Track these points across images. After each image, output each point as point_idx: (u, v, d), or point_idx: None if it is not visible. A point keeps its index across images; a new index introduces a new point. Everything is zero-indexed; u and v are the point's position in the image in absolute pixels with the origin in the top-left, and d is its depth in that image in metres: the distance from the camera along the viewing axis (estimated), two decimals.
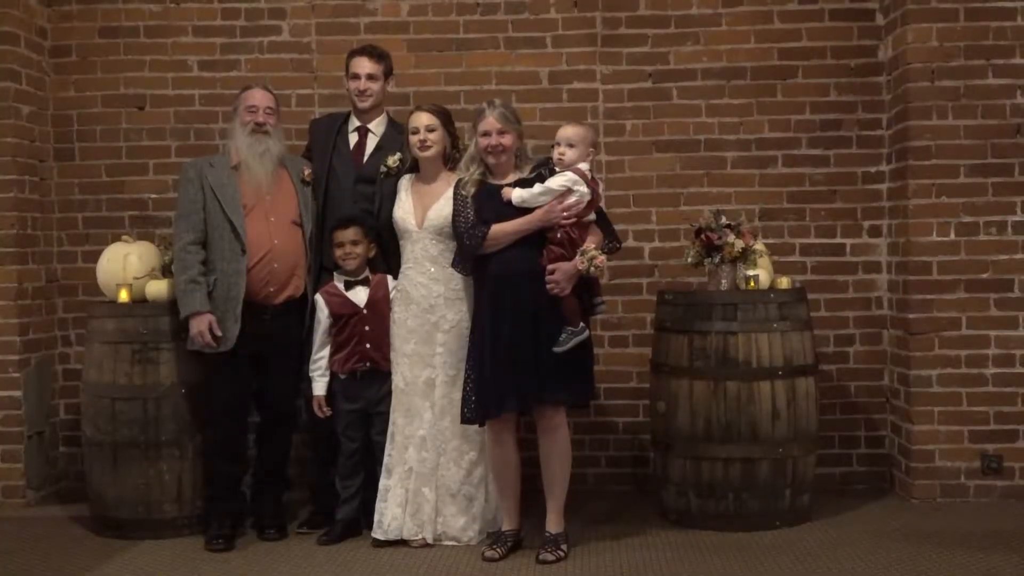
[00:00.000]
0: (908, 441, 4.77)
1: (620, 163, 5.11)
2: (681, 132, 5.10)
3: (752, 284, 4.42)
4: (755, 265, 4.44)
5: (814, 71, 5.05)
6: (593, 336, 4.12)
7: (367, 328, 4.27)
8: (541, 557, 3.95)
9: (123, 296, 4.41)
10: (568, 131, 4.04)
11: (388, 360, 4.27)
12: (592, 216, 4.04)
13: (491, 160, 4.07)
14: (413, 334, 4.21)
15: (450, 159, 4.28)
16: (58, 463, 5.18)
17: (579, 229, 3.98)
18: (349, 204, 4.38)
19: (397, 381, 4.24)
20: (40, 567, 3.99)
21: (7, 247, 4.87)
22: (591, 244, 3.97)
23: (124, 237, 4.69)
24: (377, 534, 4.18)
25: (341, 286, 4.32)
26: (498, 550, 4.01)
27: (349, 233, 4.27)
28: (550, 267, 3.93)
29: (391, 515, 4.17)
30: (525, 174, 4.08)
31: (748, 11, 5.08)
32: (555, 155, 4.04)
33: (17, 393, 4.87)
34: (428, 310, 4.19)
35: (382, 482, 4.22)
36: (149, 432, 4.27)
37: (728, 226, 4.45)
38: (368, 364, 4.27)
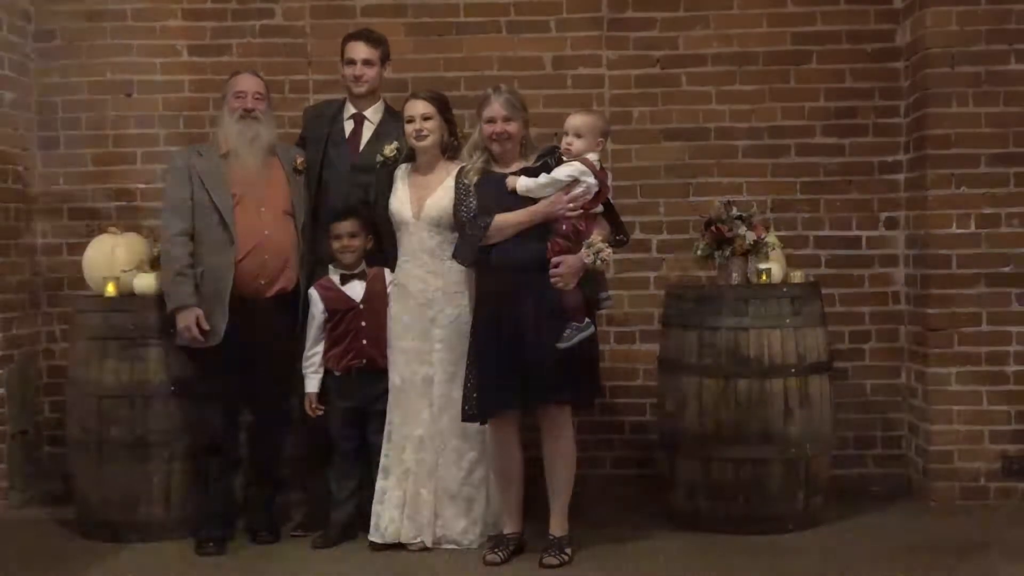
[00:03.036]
0: (926, 442, 4.73)
1: (627, 152, 5.05)
2: (690, 120, 5.05)
3: (764, 278, 4.38)
4: (767, 258, 4.40)
5: (829, 56, 5.00)
6: (598, 332, 4.06)
7: (364, 323, 4.22)
8: (544, 561, 3.91)
9: (110, 290, 4.37)
10: (576, 120, 3.97)
11: (385, 357, 4.22)
12: (600, 208, 3.98)
13: (496, 148, 4.01)
14: (410, 330, 4.15)
15: (448, 148, 4.22)
16: (42, 464, 5.13)
17: (586, 221, 3.92)
18: (344, 194, 4.34)
19: (394, 379, 4.19)
20: (23, 572, 3.96)
21: None
22: (597, 236, 3.90)
23: (111, 229, 4.63)
24: (374, 537, 4.13)
25: (336, 280, 4.27)
26: (500, 554, 3.97)
27: (347, 225, 4.21)
28: (554, 260, 3.87)
29: (388, 517, 4.12)
30: (530, 163, 4.03)
31: None
32: (563, 144, 3.99)
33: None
34: (425, 304, 4.13)
35: (379, 483, 4.17)
36: (137, 431, 4.24)
37: (739, 218, 4.41)
38: (364, 361, 4.23)
